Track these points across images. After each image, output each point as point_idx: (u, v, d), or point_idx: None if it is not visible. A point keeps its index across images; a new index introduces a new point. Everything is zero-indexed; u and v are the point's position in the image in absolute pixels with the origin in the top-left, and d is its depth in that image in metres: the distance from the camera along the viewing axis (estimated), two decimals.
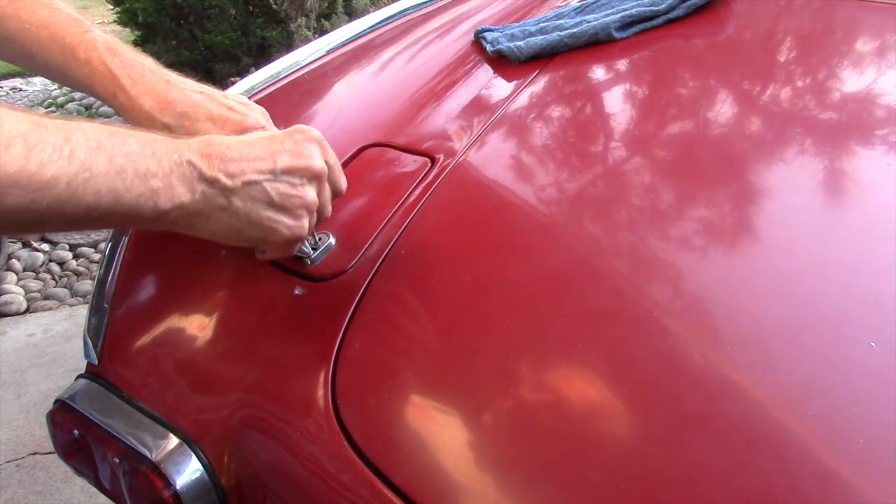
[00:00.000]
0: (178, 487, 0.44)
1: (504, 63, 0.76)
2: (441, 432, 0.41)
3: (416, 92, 0.70)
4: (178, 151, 0.38)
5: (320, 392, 0.44)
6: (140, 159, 0.36)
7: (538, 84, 0.72)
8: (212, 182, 0.40)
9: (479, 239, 0.52)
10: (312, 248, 0.52)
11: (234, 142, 0.42)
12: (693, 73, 0.72)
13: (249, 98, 0.63)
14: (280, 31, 2.74)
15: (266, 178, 0.42)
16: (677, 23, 0.80)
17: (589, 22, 0.77)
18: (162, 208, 0.38)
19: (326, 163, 0.46)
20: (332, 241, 0.53)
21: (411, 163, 0.61)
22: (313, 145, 0.45)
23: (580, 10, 0.84)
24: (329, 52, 0.72)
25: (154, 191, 0.37)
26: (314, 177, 0.45)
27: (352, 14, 2.95)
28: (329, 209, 0.48)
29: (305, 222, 0.45)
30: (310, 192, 0.45)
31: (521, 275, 0.48)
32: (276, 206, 0.43)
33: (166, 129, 0.47)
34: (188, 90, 0.49)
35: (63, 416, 0.49)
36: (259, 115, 0.51)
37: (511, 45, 0.75)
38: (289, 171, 0.43)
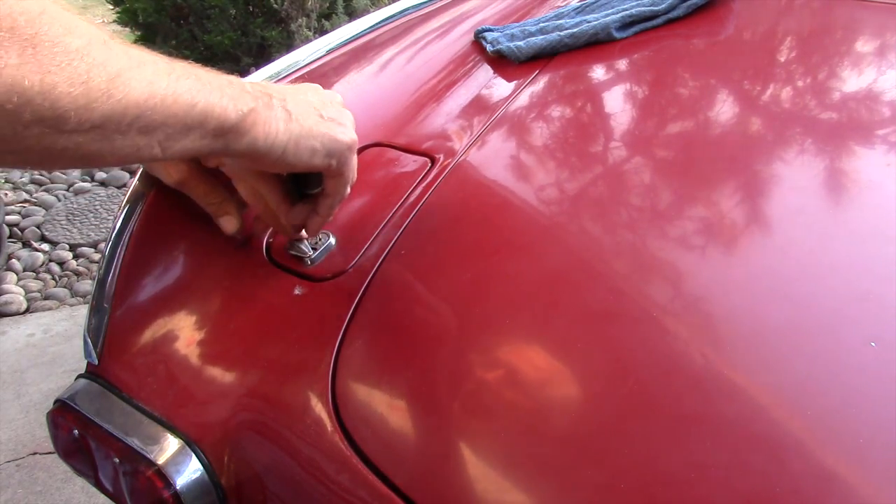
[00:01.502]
0: (178, 487, 0.44)
1: (504, 63, 0.76)
2: (441, 432, 0.41)
3: (416, 92, 0.70)
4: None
5: (320, 392, 0.44)
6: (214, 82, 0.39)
7: (538, 84, 0.72)
8: (269, 96, 0.42)
9: (479, 239, 0.52)
10: (312, 248, 0.52)
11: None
12: (693, 73, 0.72)
13: None
14: (280, 31, 2.74)
15: (311, 100, 0.46)
16: (677, 23, 0.80)
17: (589, 22, 0.77)
18: (241, 109, 0.39)
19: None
20: (332, 241, 0.53)
21: (411, 163, 0.61)
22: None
23: (580, 10, 0.84)
24: (329, 52, 0.72)
25: (231, 97, 0.39)
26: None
27: (352, 14, 2.95)
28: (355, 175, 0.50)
29: (353, 131, 0.47)
30: (349, 114, 0.48)
31: (521, 274, 0.48)
32: (325, 118, 0.45)
33: None
34: None
35: (63, 416, 0.49)
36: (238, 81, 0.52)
37: (511, 45, 0.75)
38: (332, 101, 0.48)
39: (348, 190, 0.50)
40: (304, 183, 0.50)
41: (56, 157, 0.32)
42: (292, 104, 0.43)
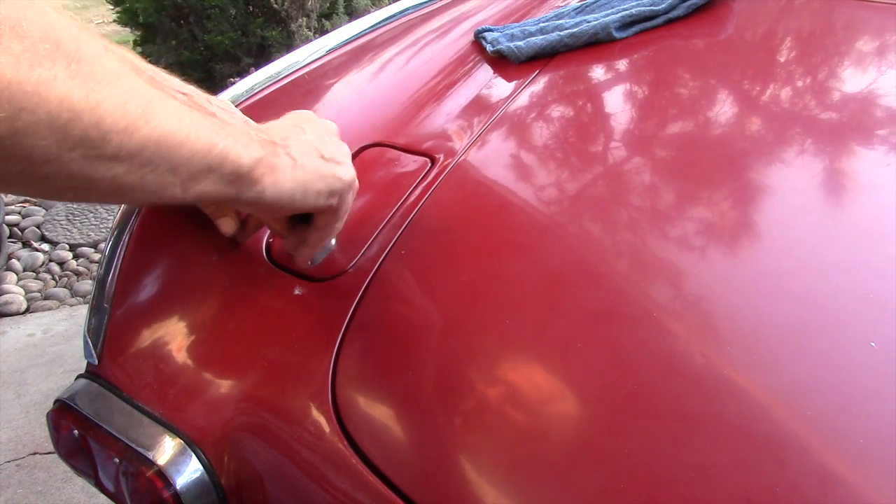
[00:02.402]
0: (178, 488, 0.44)
1: (504, 63, 0.76)
2: (441, 432, 0.41)
3: (416, 92, 0.70)
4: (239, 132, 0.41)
5: (320, 392, 0.44)
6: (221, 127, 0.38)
7: (538, 84, 0.72)
8: (273, 144, 0.42)
9: (479, 239, 0.53)
10: None
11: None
12: (693, 73, 0.72)
13: (249, 98, 0.63)
14: (280, 31, 2.74)
15: (309, 139, 0.46)
16: (677, 23, 0.80)
17: (589, 22, 0.77)
18: (252, 156, 0.39)
19: None
20: (333, 241, 0.53)
21: (411, 163, 0.61)
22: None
23: (580, 10, 0.84)
24: (329, 52, 0.72)
25: (244, 144, 0.39)
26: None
27: (352, 14, 2.95)
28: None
29: (351, 167, 0.47)
30: (345, 147, 0.48)
31: (521, 275, 0.48)
32: (326, 158, 0.45)
33: None
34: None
35: (63, 416, 0.49)
36: (241, 122, 0.51)
37: (511, 45, 0.75)
38: (328, 133, 0.48)
39: (340, 225, 0.50)
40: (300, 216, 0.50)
41: (89, 189, 0.32)
42: (295, 149, 0.43)
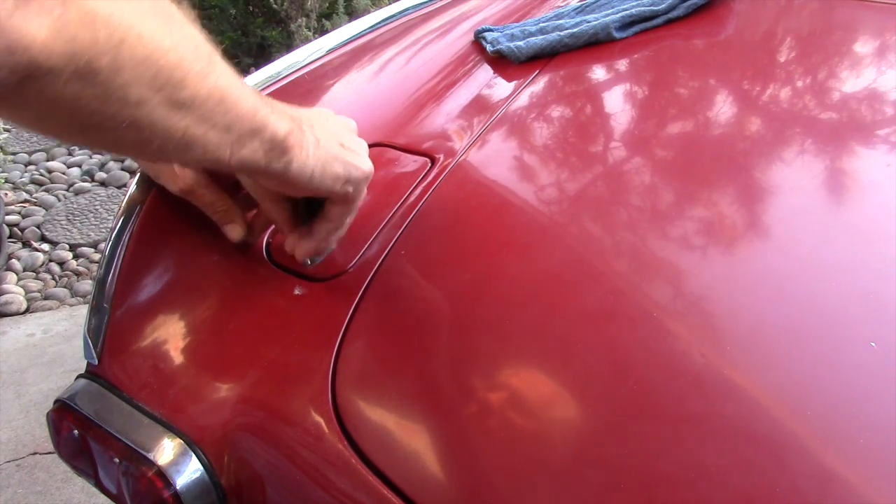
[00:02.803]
0: (178, 488, 0.44)
1: (504, 63, 0.76)
2: (441, 432, 0.41)
3: (416, 92, 0.70)
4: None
5: (320, 392, 0.44)
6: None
7: (538, 84, 0.72)
8: (300, 119, 0.43)
9: (479, 239, 0.52)
10: None
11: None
12: (693, 73, 0.72)
13: None
14: (280, 31, 2.74)
15: (331, 127, 0.47)
16: (677, 23, 0.80)
17: (589, 22, 0.77)
18: (281, 129, 0.39)
19: None
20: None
21: (411, 163, 0.61)
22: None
23: (580, 10, 0.84)
24: (329, 52, 0.72)
25: (277, 115, 0.39)
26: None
27: (352, 14, 2.95)
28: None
29: (369, 161, 0.48)
30: (364, 143, 0.49)
31: (521, 275, 0.48)
32: (346, 147, 0.46)
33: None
34: None
35: (63, 416, 0.49)
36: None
37: (511, 45, 0.75)
38: (348, 128, 0.49)
39: (350, 220, 0.50)
40: (311, 208, 0.50)
41: (166, 139, 0.33)
42: (319, 130, 0.44)
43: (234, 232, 0.51)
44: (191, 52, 0.31)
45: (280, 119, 0.39)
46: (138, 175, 0.54)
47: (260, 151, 0.38)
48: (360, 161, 0.47)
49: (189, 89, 0.31)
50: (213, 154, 0.36)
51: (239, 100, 0.35)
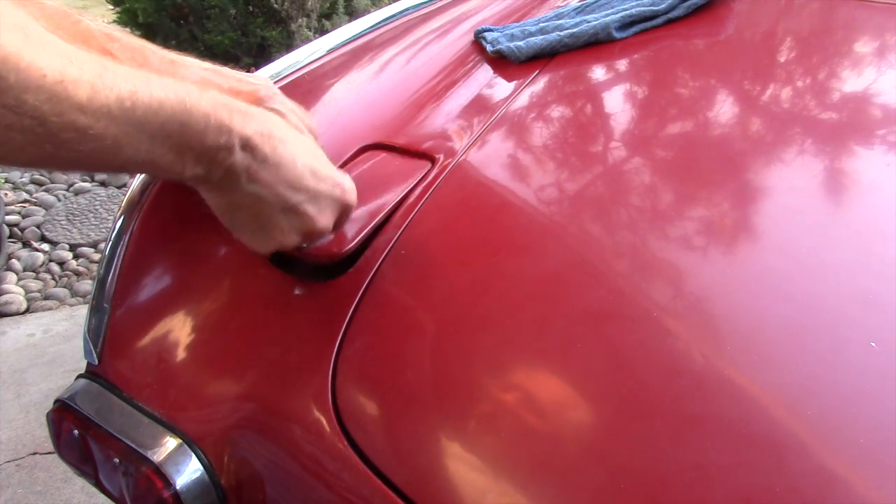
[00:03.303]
0: (178, 487, 0.44)
1: (504, 63, 0.76)
2: (441, 432, 0.41)
3: (416, 92, 0.70)
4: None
5: (320, 392, 0.44)
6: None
7: (538, 84, 0.72)
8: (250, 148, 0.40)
9: (479, 239, 0.52)
10: None
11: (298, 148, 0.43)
12: (693, 74, 0.72)
13: None
14: (280, 31, 2.74)
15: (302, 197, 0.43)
16: (677, 23, 0.80)
17: (589, 22, 0.77)
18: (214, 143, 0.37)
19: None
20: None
21: (411, 163, 0.61)
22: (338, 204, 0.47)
23: (580, 10, 0.84)
24: (329, 52, 0.72)
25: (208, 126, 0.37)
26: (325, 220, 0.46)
27: (352, 14, 2.95)
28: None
29: (297, 238, 0.45)
30: (324, 219, 0.45)
31: (521, 275, 0.48)
32: (286, 210, 0.44)
33: None
34: (195, 67, 0.49)
35: (63, 416, 0.49)
36: (268, 84, 0.51)
37: (511, 45, 0.75)
38: (316, 196, 0.44)
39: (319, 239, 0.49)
40: None
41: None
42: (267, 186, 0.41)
43: None
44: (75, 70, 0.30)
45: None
46: (136, 182, 0.54)
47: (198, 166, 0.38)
48: (315, 218, 0.44)
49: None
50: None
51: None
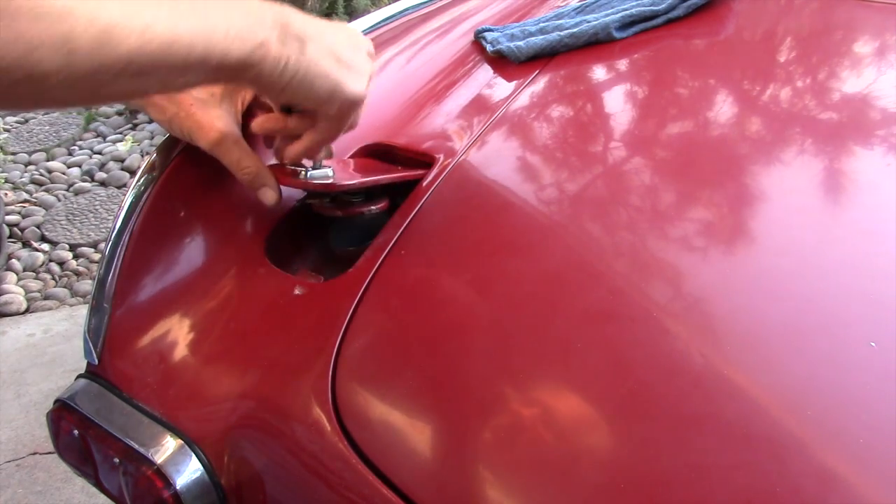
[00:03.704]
0: (178, 487, 0.44)
1: (504, 63, 0.76)
2: (441, 432, 0.41)
3: (416, 92, 0.70)
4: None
5: (320, 392, 0.44)
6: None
7: (538, 84, 0.72)
8: (287, 26, 0.40)
9: (479, 239, 0.52)
10: (312, 167, 0.51)
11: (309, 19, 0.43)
12: (693, 74, 0.72)
13: None
14: None
15: (334, 40, 0.44)
16: (677, 23, 0.80)
17: (589, 22, 0.77)
18: (247, 46, 0.38)
19: None
20: (331, 172, 0.51)
21: (411, 163, 0.61)
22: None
23: (580, 10, 0.84)
24: None
25: (239, 33, 0.37)
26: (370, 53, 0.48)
27: (352, 14, 2.95)
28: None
29: (364, 84, 0.46)
30: (369, 62, 0.47)
31: (521, 275, 0.48)
32: (342, 61, 0.44)
33: (159, 109, 0.50)
34: None
35: (63, 416, 0.49)
36: None
37: (511, 44, 0.75)
38: (357, 47, 0.47)
39: (337, 136, 0.49)
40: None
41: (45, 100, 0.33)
42: (312, 44, 0.42)
43: (268, 196, 0.50)
44: (57, 51, 0.30)
45: (244, 37, 0.38)
46: (139, 174, 0.54)
47: (203, 76, 0.38)
48: (352, 81, 0.45)
49: (54, 78, 0.31)
50: (131, 95, 0.37)
51: (155, 51, 0.34)
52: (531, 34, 0.78)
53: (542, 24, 0.80)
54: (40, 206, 2.23)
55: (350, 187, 0.53)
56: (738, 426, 0.36)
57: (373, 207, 0.55)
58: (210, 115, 0.50)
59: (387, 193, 0.57)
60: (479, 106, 0.69)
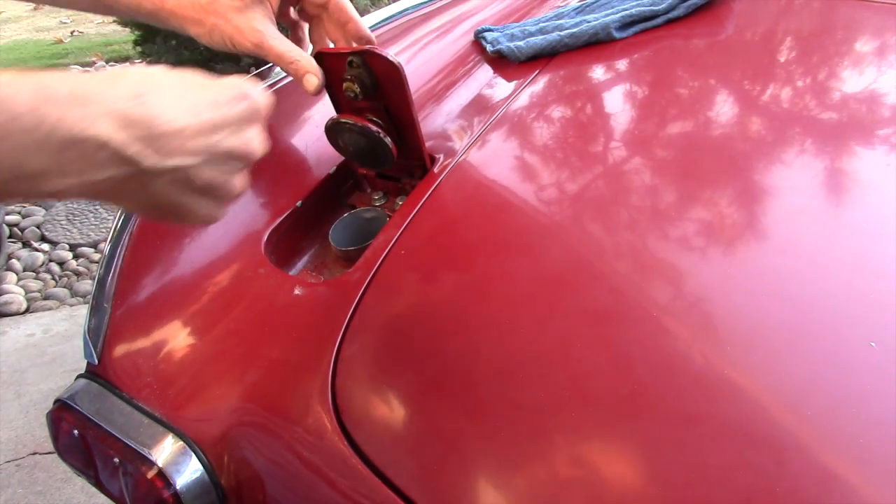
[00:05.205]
0: (178, 487, 0.44)
1: (504, 63, 0.76)
2: (441, 432, 0.41)
3: (416, 92, 0.70)
4: (86, 119, 0.29)
5: (320, 392, 0.44)
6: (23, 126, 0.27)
7: (538, 84, 0.72)
8: (128, 162, 0.30)
9: (479, 239, 0.52)
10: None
11: (173, 98, 0.32)
12: (693, 73, 0.72)
13: None
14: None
15: (198, 161, 0.34)
16: (677, 23, 0.80)
17: (589, 22, 0.77)
18: (51, 189, 0.29)
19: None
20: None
21: (412, 162, 0.61)
22: (255, 126, 0.38)
23: (580, 10, 0.84)
24: None
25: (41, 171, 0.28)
26: (250, 162, 0.38)
27: None
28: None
29: (223, 210, 0.38)
30: (238, 181, 0.38)
31: (521, 275, 0.48)
32: (199, 192, 0.35)
33: (197, 24, 0.52)
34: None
35: (63, 416, 0.49)
36: None
37: (511, 45, 0.75)
38: (227, 156, 0.35)
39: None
40: None
41: None
42: (166, 168, 0.32)
43: (311, 83, 0.52)
44: None
45: (72, 167, 0.29)
46: None
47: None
48: (200, 212, 0.36)
49: None
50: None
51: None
52: (531, 34, 0.78)
53: (542, 24, 0.80)
54: (40, 206, 2.23)
55: (386, 53, 0.54)
56: (739, 426, 0.36)
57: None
58: (247, 18, 0.52)
59: (396, 195, 0.57)
60: (480, 106, 0.69)
